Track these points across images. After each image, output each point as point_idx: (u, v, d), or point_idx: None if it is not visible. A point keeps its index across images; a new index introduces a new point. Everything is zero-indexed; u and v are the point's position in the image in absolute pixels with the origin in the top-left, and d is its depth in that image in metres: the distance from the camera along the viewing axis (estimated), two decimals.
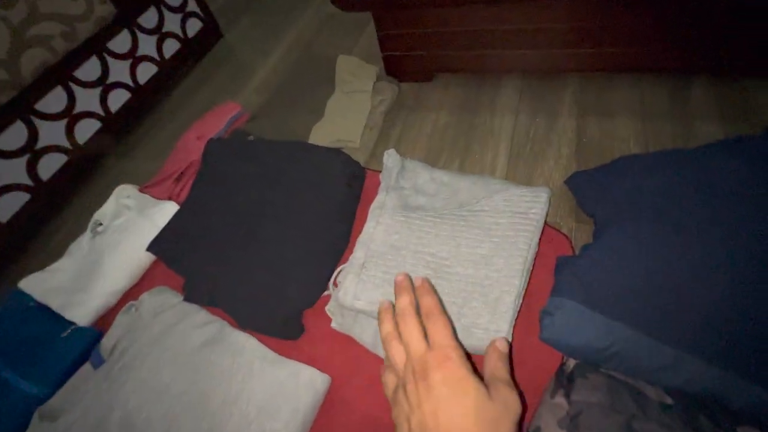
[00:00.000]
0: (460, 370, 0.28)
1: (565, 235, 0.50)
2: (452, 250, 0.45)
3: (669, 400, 0.33)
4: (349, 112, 0.72)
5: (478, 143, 0.66)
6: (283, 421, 0.40)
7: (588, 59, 0.65)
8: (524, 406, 0.29)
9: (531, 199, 0.46)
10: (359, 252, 0.48)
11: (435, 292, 0.33)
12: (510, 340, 0.40)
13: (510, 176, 0.61)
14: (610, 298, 0.37)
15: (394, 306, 0.34)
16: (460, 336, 0.39)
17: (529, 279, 0.44)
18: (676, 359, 0.34)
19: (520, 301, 0.42)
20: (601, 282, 0.39)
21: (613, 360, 0.36)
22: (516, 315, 0.41)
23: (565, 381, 0.39)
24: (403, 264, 0.46)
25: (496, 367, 0.30)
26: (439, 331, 0.30)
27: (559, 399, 0.39)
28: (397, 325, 0.32)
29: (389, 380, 0.32)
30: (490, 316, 0.41)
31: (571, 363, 0.39)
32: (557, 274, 0.43)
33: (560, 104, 0.67)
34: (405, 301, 0.32)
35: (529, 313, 0.43)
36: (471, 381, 0.27)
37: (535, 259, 0.44)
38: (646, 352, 0.34)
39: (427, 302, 0.32)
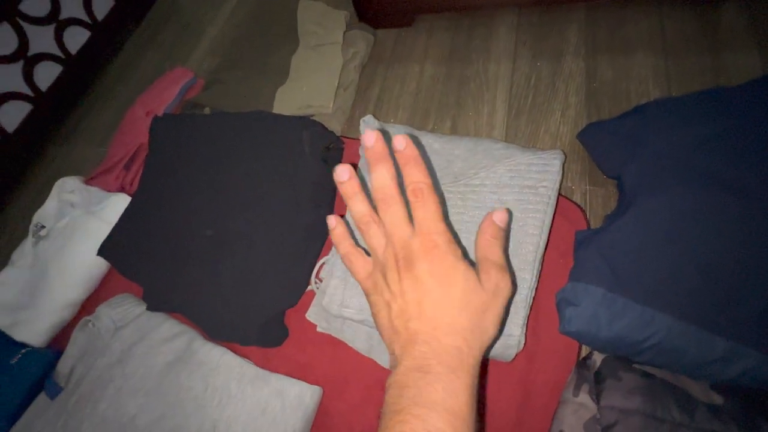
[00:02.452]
0: (447, 258, 0.25)
1: (578, 205, 0.43)
2: None
3: (718, 400, 0.28)
4: (317, 70, 0.61)
5: (471, 98, 0.57)
6: None
7: None
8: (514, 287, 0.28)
9: (541, 169, 0.38)
10: None
11: (422, 159, 0.26)
12: (522, 345, 0.35)
13: (510, 135, 0.52)
14: (645, 283, 0.31)
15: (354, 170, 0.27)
16: None
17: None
18: (727, 351, 0.28)
19: (533, 295, 0.35)
20: (632, 262, 0.32)
21: (649, 353, 0.31)
22: (528, 313, 0.35)
23: (591, 377, 0.34)
24: None
25: (489, 245, 0.27)
26: (427, 213, 0.25)
27: (584, 397, 0.34)
28: (374, 204, 0.27)
29: (360, 265, 0.28)
30: None
31: (597, 357, 0.34)
32: (577, 252, 0.37)
33: (565, 43, 0.57)
34: (385, 176, 0.26)
35: (537, 301, 0.37)
36: (459, 270, 0.25)
37: (547, 240, 0.38)
38: (693, 345, 0.29)
39: (416, 176, 0.26)
